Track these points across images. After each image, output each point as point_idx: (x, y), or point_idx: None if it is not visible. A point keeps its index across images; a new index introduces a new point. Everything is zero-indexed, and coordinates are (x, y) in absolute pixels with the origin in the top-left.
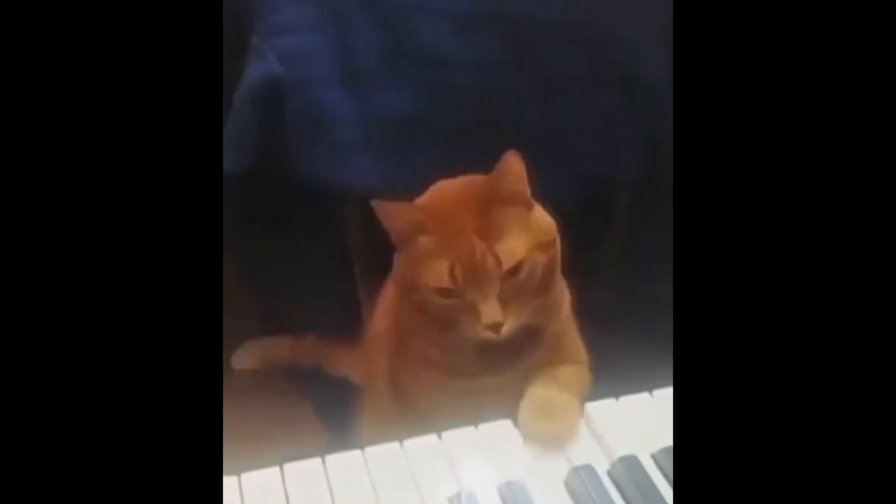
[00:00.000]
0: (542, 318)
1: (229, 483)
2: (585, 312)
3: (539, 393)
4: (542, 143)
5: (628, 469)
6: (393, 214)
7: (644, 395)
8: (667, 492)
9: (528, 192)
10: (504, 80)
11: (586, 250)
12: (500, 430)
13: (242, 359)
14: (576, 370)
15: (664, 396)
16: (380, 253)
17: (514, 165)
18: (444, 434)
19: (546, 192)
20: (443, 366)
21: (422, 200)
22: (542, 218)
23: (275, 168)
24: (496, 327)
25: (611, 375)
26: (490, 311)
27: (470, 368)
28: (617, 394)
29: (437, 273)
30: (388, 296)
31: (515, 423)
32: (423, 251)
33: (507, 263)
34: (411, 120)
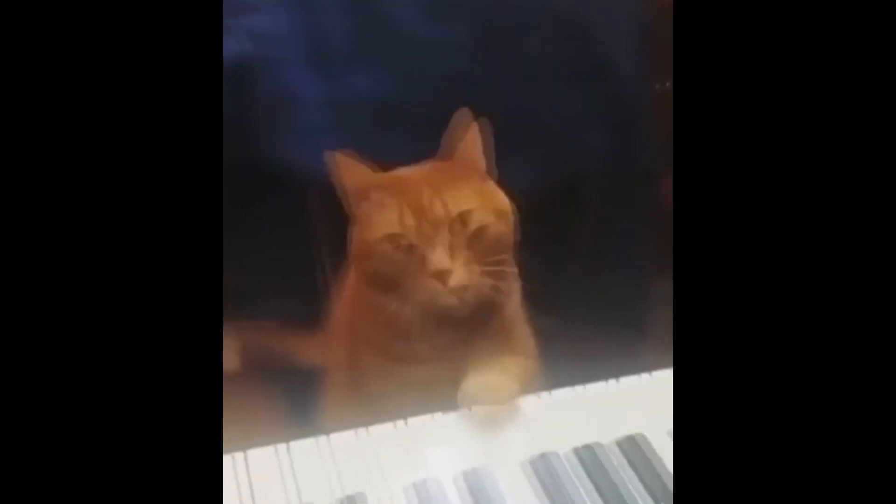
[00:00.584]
0: (492, 293)
1: None
2: (554, 301)
3: (479, 376)
4: (513, 131)
5: (592, 456)
6: (350, 168)
7: (611, 382)
8: (631, 479)
9: (484, 166)
10: (474, 65)
11: (556, 239)
12: (465, 417)
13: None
14: (520, 361)
15: (631, 384)
16: (345, 238)
17: (466, 126)
18: (410, 420)
19: (516, 180)
20: (390, 351)
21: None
22: (498, 192)
23: (241, 149)
24: (444, 275)
25: (578, 362)
26: (438, 257)
27: (416, 352)
28: (584, 381)
29: (387, 220)
30: (349, 282)
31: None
32: (375, 205)
33: (455, 209)
34: (380, 103)
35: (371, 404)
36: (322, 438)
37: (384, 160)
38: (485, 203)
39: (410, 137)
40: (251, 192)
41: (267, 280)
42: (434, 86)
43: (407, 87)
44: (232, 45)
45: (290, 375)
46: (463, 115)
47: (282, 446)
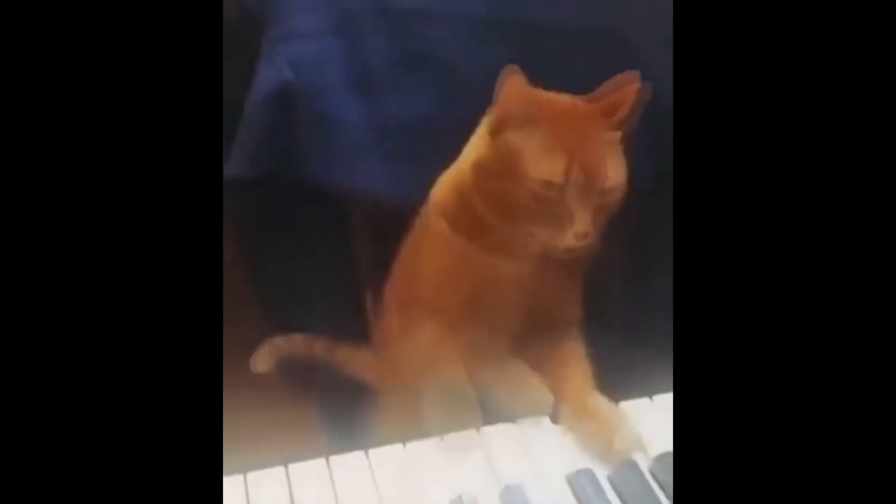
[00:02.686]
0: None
1: (235, 481)
2: (589, 317)
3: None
4: None
5: (629, 474)
6: (519, 94)
7: (644, 400)
8: (666, 498)
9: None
10: None
11: (594, 258)
12: (502, 433)
13: (262, 362)
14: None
15: (664, 401)
16: (387, 257)
17: (633, 88)
18: (446, 437)
19: None
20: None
21: (538, 95)
22: (623, 155)
23: (287, 174)
24: (584, 237)
25: (611, 380)
26: (584, 219)
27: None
28: (617, 399)
29: (553, 167)
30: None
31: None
32: (538, 144)
33: (611, 182)
34: (423, 125)
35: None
36: (359, 454)
37: (429, 182)
38: (622, 165)
39: (453, 157)
40: (297, 214)
41: (310, 298)
42: (475, 107)
43: (448, 109)
44: (273, 73)
45: (326, 393)
46: (631, 79)
47: (321, 461)
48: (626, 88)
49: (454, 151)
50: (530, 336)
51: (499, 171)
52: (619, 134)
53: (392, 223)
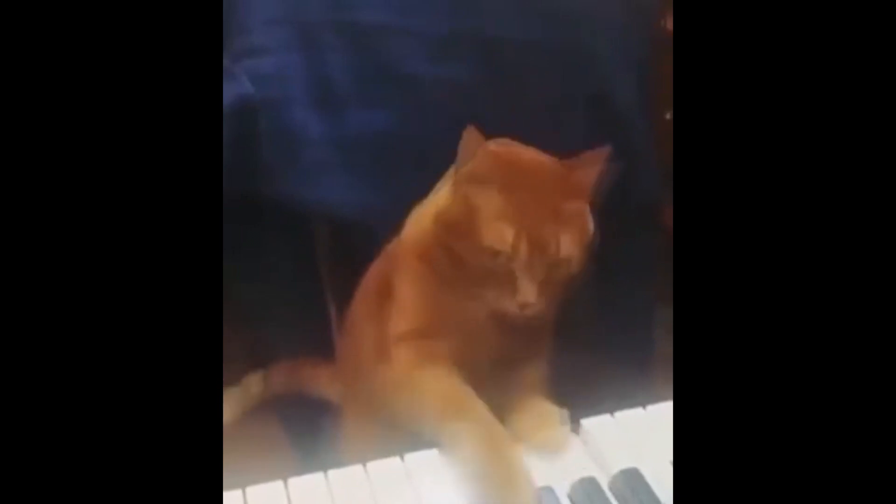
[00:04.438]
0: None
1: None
2: (579, 333)
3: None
4: None
5: (629, 481)
6: (480, 153)
7: (638, 411)
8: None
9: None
10: (479, 100)
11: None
12: None
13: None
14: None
15: (658, 411)
16: (351, 272)
17: (601, 160)
18: (410, 456)
19: None
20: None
21: (503, 155)
22: (590, 218)
23: (249, 189)
24: (528, 306)
25: (607, 392)
26: (529, 290)
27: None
28: (612, 410)
29: (501, 236)
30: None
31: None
32: (492, 209)
33: (564, 254)
34: (385, 140)
35: (387, 435)
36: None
37: (390, 196)
38: (585, 240)
39: (416, 173)
40: (258, 230)
41: (273, 314)
42: (438, 122)
43: (411, 124)
44: (234, 88)
45: (297, 409)
46: (602, 152)
47: (279, 483)
48: (595, 154)
49: (417, 166)
50: (497, 375)
51: (455, 226)
52: (581, 203)
53: (355, 238)
